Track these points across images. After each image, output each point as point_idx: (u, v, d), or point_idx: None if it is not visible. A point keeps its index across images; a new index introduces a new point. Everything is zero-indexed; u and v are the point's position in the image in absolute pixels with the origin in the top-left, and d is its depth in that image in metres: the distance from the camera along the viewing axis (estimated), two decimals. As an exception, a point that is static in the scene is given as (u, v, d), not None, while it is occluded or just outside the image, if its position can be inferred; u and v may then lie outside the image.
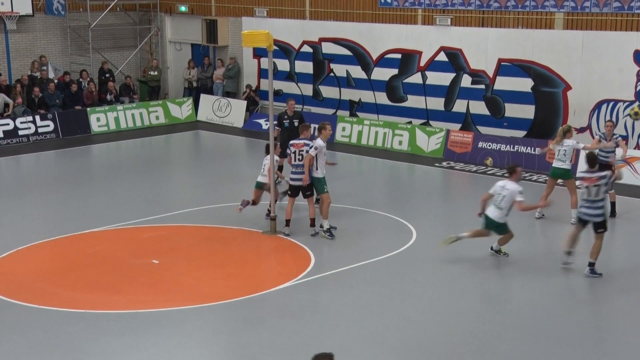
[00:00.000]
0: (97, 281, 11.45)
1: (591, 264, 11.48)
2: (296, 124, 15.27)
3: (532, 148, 18.23)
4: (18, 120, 21.06)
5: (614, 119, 17.61)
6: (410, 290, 11.32)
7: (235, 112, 23.51)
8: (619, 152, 14.79)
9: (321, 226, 13.05)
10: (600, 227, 11.42)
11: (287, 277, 11.53)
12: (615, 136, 14.50)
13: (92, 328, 9.87)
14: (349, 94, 22.14)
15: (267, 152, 13.56)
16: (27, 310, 10.38)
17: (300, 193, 13.17)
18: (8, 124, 20.93)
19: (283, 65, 23.14)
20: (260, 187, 13.69)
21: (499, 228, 11.97)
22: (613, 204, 14.25)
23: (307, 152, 12.93)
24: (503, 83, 19.24)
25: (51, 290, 11.08)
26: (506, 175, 12.76)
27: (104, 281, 11.46)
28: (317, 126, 13.75)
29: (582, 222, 11.64)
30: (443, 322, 10.15)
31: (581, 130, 18.04)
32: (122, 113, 22.94)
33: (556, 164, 13.89)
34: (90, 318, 10.14)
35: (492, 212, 11.89)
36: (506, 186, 11.88)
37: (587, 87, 17.99)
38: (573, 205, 13.50)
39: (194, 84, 25.00)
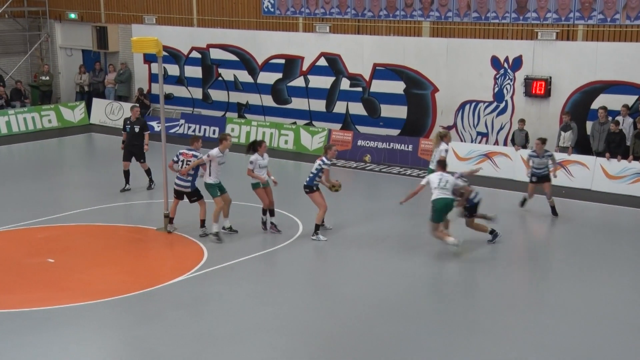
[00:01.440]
0: (-9, 282, 10.87)
1: None
2: (137, 129, 15.61)
3: (406, 145, 18.70)
4: None
5: (475, 118, 18.38)
6: (299, 279, 11.39)
7: (127, 115, 22.84)
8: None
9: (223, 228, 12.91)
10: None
11: (181, 271, 11.34)
12: (547, 153, 14.26)
13: (-14, 329, 9.37)
14: (236, 97, 22.00)
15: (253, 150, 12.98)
16: None
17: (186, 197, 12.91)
18: None
19: (173, 70, 22.73)
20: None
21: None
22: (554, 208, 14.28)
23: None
24: (378, 86, 19.64)
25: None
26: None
27: (-2, 282, 10.91)
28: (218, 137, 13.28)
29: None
30: (329, 307, 10.26)
31: (448, 127, 18.68)
32: (13, 117, 21.88)
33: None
34: (-16, 319, 9.63)
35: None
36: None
37: (452, 89, 18.64)
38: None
39: (86, 89, 24.16)
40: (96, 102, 23.44)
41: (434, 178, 12.13)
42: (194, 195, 12.86)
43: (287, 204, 14.26)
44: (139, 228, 13.34)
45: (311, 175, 12.73)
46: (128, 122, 15.78)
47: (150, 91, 23.37)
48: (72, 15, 24.65)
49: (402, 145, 18.79)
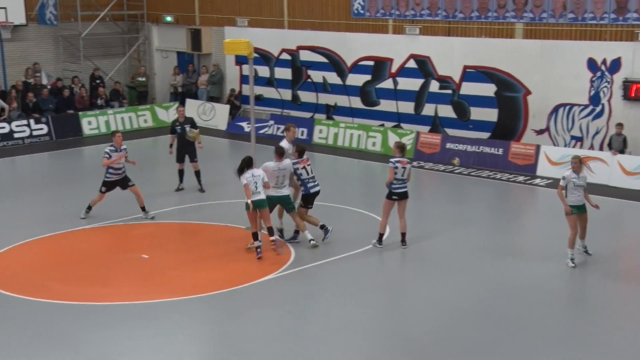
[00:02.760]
0: (89, 275, 11.38)
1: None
2: (187, 129, 15.75)
3: (496, 149, 18.37)
4: (13, 123, 20.83)
5: (569, 121, 17.85)
6: (384, 281, 11.37)
7: (219, 115, 23.44)
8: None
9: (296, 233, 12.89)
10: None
11: (269, 270, 11.52)
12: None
13: (87, 320, 9.81)
14: (325, 99, 22.15)
15: (248, 167, 12.01)
16: (24, 303, 10.29)
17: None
18: (4, 128, 20.70)
19: (263, 71, 23.10)
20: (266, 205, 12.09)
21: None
22: None
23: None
24: (468, 88, 19.35)
25: (46, 284, 10.99)
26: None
27: (95, 275, 11.39)
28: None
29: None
30: (414, 311, 10.20)
31: (540, 132, 18.21)
32: (112, 117, 22.78)
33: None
34: (82, 310, 10.07)
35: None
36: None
37: (545, 92, 18.15)
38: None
39: (179, 89, 24.88)
40: (189, 102, 24.08)
41: None
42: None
43: (374, 207, 14.23)
44: (228, 227, 13.63)
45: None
46: (177, 123, 16.00)
47: (240, 92, 23.84)
48: (168, 19, 25.43)
49: (492, 148, 18.45)
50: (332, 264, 11.86)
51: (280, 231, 12.79)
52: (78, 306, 10.19)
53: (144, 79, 24.92)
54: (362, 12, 21.00)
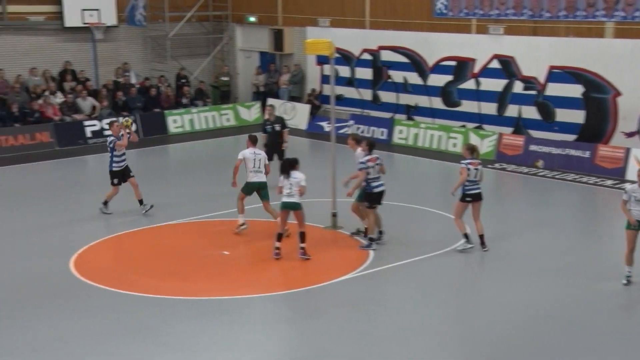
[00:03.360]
0: (173, 270, 11.68)
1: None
2: (278, 128, 16.01)
3: (582, 151, 17.82)
4: (104, 121, 21.61)
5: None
6: (462, 284, 11.21)
7: (299, 115, 23.64)
8: None
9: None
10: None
11: (346, 270, 11.55)
12: None
13: (167, 313, 10.08)
14: (405, 99, 22.01)
15: (292, 167, 12.02)
16: (111, 295, 10.66)
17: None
18: (95, 125, 21.50)
19: (344, 71, 23.15)
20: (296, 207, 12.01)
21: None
22: None
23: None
24: (554, 89, 18.83)
25: (133, 277, 11.35)
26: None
27: (179, 270, 11.69)
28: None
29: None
30: (491, 314, 10.02)
31: (630, 134, 17.56)
32: (196, 115, 23.31)
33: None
34: (164, 303, 10.35)
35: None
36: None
37: (636, 94, 17.47)
38: None
39: (261, 89, 25.23)
40: (270, 102, 24.35)
41: None
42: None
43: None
44: (308, 226, 13.69)
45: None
46: (268, 122, 16.22)
47: (321, 92, 23.97)
48: (252, 19, 25.83)
49: (579, 151, 17.90)
50: (410, 266, 11.78)
51: (364, 231, 12.71)
52: (160, 299, 10.48)
53: (227, 78, 25.40)
54: (444, 11, 20.75)
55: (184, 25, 25.10)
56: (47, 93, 21.75)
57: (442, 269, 11.69)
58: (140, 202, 14.43)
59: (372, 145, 12.47)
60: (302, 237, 11.93)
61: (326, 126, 22.39)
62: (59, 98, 21.84)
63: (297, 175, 11.90)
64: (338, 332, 9.56)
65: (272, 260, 12.03)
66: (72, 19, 22.72)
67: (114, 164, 14.40)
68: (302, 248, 11.93)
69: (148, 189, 16.50)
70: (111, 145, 14.38)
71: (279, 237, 11.94)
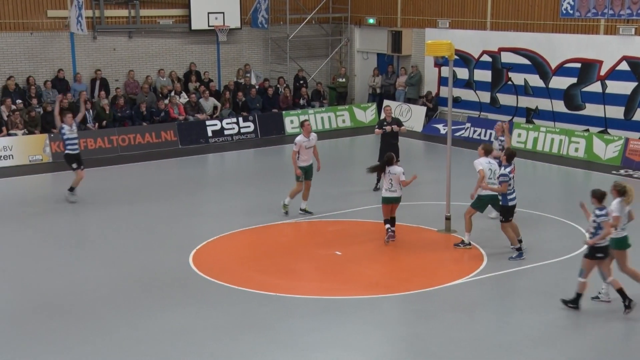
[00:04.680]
0: (286, 268, 11.91)
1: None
2: (395, 129, 15.89)
3: None
4: (224, 121, 22.32)
5: None
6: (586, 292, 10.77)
7: (415, 117, 23.48)
8: None
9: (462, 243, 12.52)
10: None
11: (460, 274, 11.38)
12: None
13: (280, 310, 10.29)
14: (526, 102, 21.40)
15: (388, 164, 12.54)
16: (227, 290, 11.00)
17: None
18: (216, 125, 22.25)
19: (462, 73, 22.79)
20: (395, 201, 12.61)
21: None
22: None
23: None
24: (688, 92, 17.77)
25: (247, 274, 11.66)
26: None
27: (292, 268, 11.91)
28: None
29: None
30: (619, 329, 9.57)
31: None
32: (312, 116, 23.63)
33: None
34: (279, 301, 10.58)
35: None
36: None
37: None
38: None
39: (378, 91, 25.26)
40: (386, 103, 24.32)
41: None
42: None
43: (575, 215, 13.53)
44: (422, 228, 13.62)
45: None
46: (385, 122, 16.20)
47: (438, 94, 23.71)
48: (371, 21, 25.91)
49: None
50: (526, 272, 11.46)
51: (467, 244, 12.44)
52: (274, 296, 10.70)
53: (344, 80, 25.61)
54: (571, 12, 20.01)
55: (304, 27, 25.52)
56: (173, 93, 22.72)
57: (559, 276, 11.29)
58: (72, 189, 15.55)
59: (512, 155, 12.10)
60: (393, 221, 12.66)
61: (442, 129, 22.13)
62: (184, 98, 22.76)
63: (395, 170, 12.45)
64: (450, 337, 9.44)
65: (385, 262, 12.03)
66: (198, 22, 23.62)
67: (66, 148, 15.59)
68: (393, 230, 12.60)
69: (265, 188, 16.93)
70: (63, 131, 15.55)
71: (391, 222, 12.62)
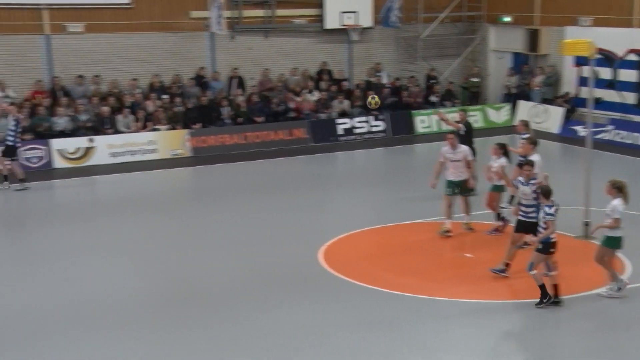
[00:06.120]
0: (415, 268, 11.85)
1: None
2: (462, 132, 15.63)
3: None
4: (355, 119, 22.50)
5: None
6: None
7: (551, 118, 22.68)
8: None
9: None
10: None
11: (597, 283, 10.88)
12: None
13: (409, 310, 10.26)
14: (675, 104, 20.16)
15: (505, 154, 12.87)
16: (354, 287, 11.09)
17: None
18: (346, 123, 22.47)
19: (605, 73, 21.74)
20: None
21: None
22: None
23: None
24: None
25: (375, 272, 11.70)
26: None
27: (421, 268, 11.84)
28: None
29: None
30: None
31: None
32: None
33: None
34: (408, 301, 10.54)
35: None
36: None
37: None
38: None
39: (513, 91, 24.59)
40: (522, 104, 23.68)
41: None
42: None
43: None
44: (557, 234, 13.12)
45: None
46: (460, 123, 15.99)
47: (577, 95, 22.76)
48: (507, 19, 25.24)
49: None
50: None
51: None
52: (402, 296, 10.68)
53: (477, 79, 25.12)
54: None
55: (436, 26, 25.25)
56: (304, 91, 23.16)
57: None
58: (5, 177, 16.84)
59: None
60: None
61: (581, 130, 21.23)
62: (315, 96, 23.14)
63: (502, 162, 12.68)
64: (583, 348, 9.06)
65: (517, 266, 11.69)
66: (331, 22, 23.94)
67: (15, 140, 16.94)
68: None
69: (394, 187, 16.91)
70: (14, 123, 16.86)
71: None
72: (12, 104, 18.88)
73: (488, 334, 9.53)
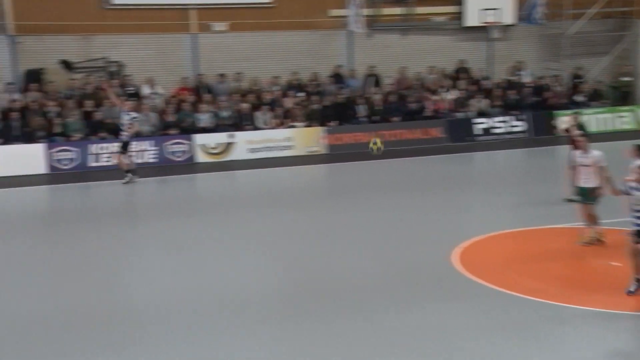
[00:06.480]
0: (555, 274, 11.31)
1: None
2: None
3: None
4: (494, 119, 21.87)
5: None
6: None
7: None
8: None
9: None
10: None
11: None
12: None
13: (547, 317, 9.78)
14: None
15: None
16: (489, 291, 10.71)
17: None
18: (484, 123, 21.89)
19: None
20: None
21: None
22: None
23: None
24: None
25: (512, 277, 11.26)
26: None
27: (562, 275, 11.28)
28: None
29: None
30: None
31: None
32: (589, 117, 22.21)
33: None
34: (545, 308, 10.06)
35: None
36: None
37: None
38: None
39: (669, 91, 23.01)
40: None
41: None
42: None
43: None
44: None
45: None
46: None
47: None
48: (662, 14, 23.66)
49: None
50: None
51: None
52: (539, 303, 10.21)
53: (628, 78, 23.70)
54: None
55: (583, 23, 24.05)
56: (441, 90, 22.77)
57: None
58: (129, 171, 17.35)
59: None
60: None
61: None
62: (452, 95, 22.70)
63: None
64: None
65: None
66: (471, 19, 23.39)
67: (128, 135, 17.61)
68: None
69: (534, 190, 16.26)
70: (128, 118, 17.49)
71: None
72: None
73: (624, 347, 8.90)
